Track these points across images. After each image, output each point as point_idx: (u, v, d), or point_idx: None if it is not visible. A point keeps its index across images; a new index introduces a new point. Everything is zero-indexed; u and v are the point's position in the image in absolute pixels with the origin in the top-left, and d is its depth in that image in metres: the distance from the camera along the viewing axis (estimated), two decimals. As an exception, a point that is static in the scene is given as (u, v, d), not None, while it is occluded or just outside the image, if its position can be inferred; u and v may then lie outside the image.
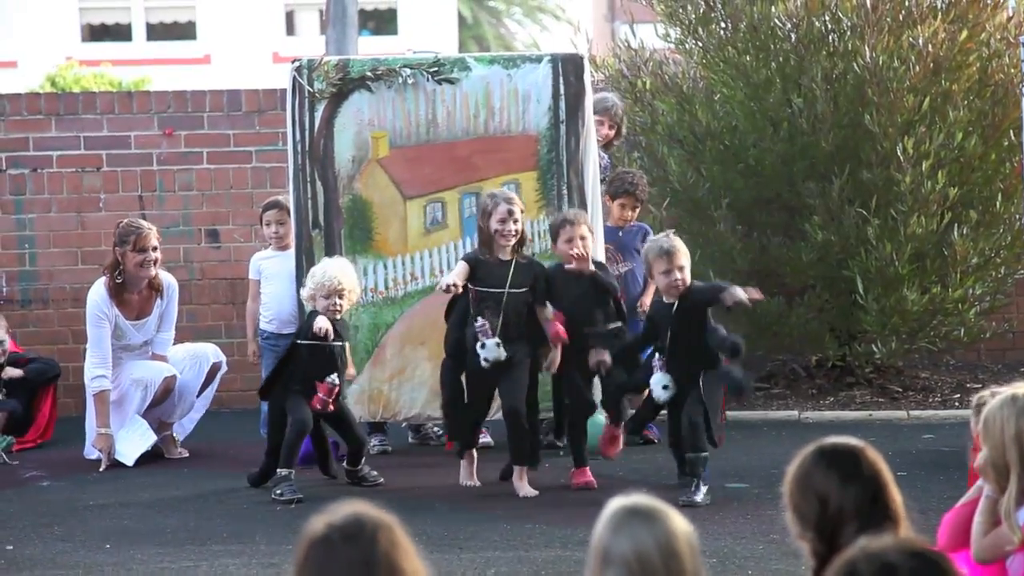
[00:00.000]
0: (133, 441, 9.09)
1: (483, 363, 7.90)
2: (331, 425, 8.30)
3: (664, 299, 7.91)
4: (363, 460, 8.29)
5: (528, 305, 8.04)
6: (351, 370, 8.39)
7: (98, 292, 9.19)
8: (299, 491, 7.85)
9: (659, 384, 7.77)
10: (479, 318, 7.95)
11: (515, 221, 8.04)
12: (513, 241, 8.06)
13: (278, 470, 8.01)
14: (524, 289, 8.02)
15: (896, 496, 3.54)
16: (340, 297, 8.13)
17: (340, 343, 8.16)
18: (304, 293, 8.32)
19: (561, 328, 7.99)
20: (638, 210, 9.36)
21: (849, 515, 3.49)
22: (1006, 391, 4.65)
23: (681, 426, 7.72)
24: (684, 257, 7.81)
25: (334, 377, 8.07)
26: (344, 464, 8.33)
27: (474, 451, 8.15)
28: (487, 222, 8.05)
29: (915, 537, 3.29)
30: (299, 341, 8.18)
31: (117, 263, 9.14)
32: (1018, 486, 4.56)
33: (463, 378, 8.14)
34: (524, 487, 7.89)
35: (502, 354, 7.88)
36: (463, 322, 8.10)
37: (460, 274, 8.00)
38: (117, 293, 9.16)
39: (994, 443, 4.59)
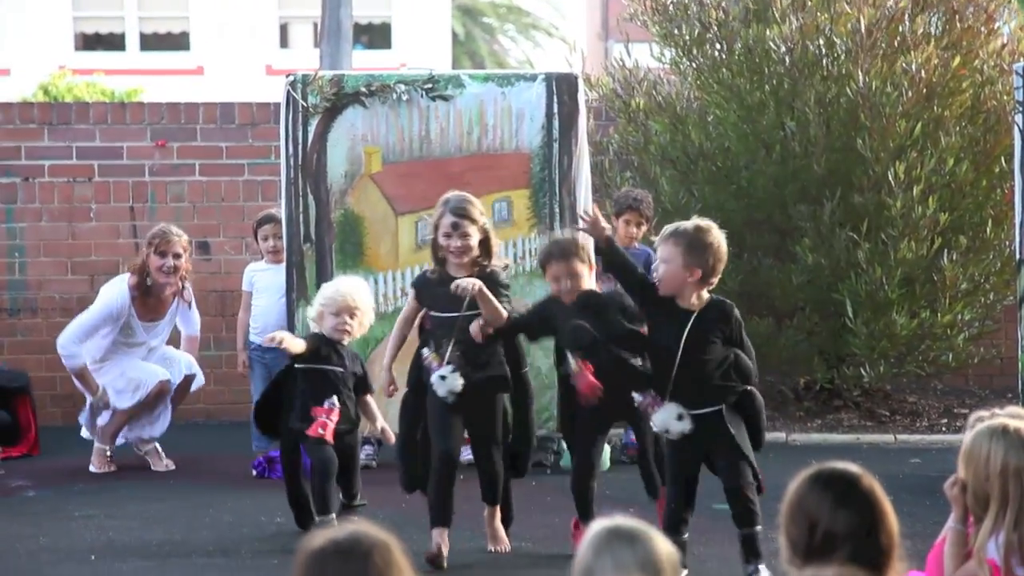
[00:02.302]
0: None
1: (447, 399, 6.82)
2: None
3: (679, 302, 6.30)
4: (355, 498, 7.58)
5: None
6: (379, 423, 7.56)
7: (119, 290, 9.14)
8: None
9: (671, 416, 6.27)
10: (424, 349, 6.96)
11: (463, 236, 6.88)
12: (465, 258, 6.91)
13: (318, 518, 7.21)
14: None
15: (892, 526, 3.46)
16: (351, 316, 7.35)
17: (341, 368, 7.38)
18: (311, 312, 7.56)
19: (591, 379, 6.66)
20: (643, 228, 9.32)
21: (839, 541, 3.44)
22: (997, 420, 4.60)
23: (728, 497, 6.31)
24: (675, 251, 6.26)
25: (333, 399, 7.30)
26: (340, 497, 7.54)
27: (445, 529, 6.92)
28: (436, 234, 7.00)
29: (855, 571, 3.27)
30: (296, 365, 7.37)
31: (144, 264, 9.16)
32: (994, 520, 4.52)
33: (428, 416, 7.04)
34: (496, 534, 7.10)
35: (456, 383, 6.79)
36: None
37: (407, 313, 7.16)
38: (140, 294, 9.16)
39: (977, 472, 4.55)
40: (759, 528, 6.24)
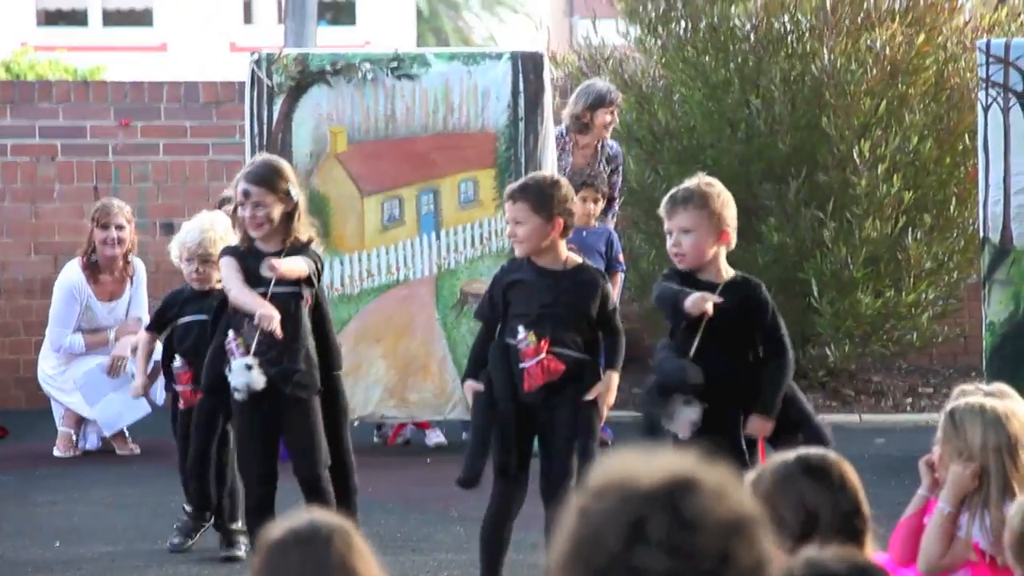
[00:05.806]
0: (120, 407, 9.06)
1: (236, 395, 5.89)
2: None
3: (701, 276, 5.44)
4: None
5: (312, 308, 6.10)
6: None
7: (72, 270, 9.20)
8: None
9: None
10: (230, 331, 5.95)
11: (256, 205, 5.94)
12: (263, 231, 5.97)
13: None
14: (297, 288, 6.01)
15: (867, 509, 3.58)
16: (205, 264, 6.66)
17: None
18: (173, 251, 6.92)
19: (553, 363, 5.67)
20: (600, 204, 9.27)
21: (829, 527, 3.50)
22: (976, 397, 4.62)
23: None
24: (698, 216, 5.31)
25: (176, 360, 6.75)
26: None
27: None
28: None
29: (855, 550, 3.31)
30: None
31: (90, 241, 9.14)
32: (984, 502, 4.54)
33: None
34: None
35: (255, 379, 5.84)
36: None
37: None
38: (92, 273, 9.14)
39: (970, 452, 4.56)
40: None
